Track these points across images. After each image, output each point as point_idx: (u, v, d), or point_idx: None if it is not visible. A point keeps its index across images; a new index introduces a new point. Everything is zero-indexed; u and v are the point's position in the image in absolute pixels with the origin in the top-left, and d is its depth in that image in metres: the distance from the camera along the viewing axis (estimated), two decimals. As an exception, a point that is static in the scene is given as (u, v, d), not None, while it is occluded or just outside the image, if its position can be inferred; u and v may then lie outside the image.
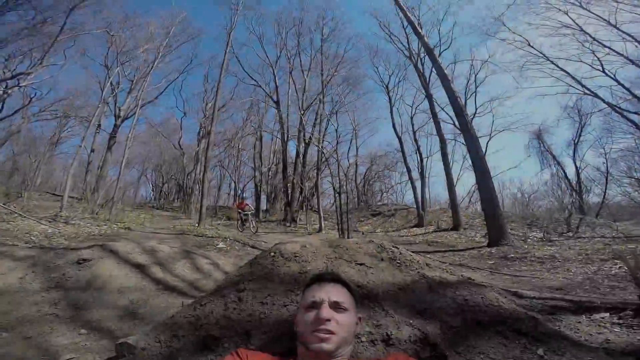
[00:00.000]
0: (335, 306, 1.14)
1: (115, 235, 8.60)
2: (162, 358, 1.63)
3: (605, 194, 20.24)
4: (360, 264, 1.95)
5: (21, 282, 3.49)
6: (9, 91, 16.02)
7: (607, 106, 15.67)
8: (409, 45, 19.06)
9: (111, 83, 19.87)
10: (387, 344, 1.42)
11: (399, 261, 2.05)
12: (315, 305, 1.14)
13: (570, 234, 11.19)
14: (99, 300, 3.26)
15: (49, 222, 8.95)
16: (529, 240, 10.38)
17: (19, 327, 2.60)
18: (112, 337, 2.46)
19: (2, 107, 16.65)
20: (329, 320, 1.08)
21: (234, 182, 25.32)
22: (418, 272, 1.94)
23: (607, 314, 2.74)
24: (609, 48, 13.57)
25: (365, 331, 1.45)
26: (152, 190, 36.50)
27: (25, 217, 8.70)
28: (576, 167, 21.44)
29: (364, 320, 1.46)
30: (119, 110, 21.60)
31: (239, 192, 26.83)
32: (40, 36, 14.88)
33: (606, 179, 20.25)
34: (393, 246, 2.19)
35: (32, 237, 6.98)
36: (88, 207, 12.47)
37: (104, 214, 12.00)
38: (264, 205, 25.52)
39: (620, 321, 2.54)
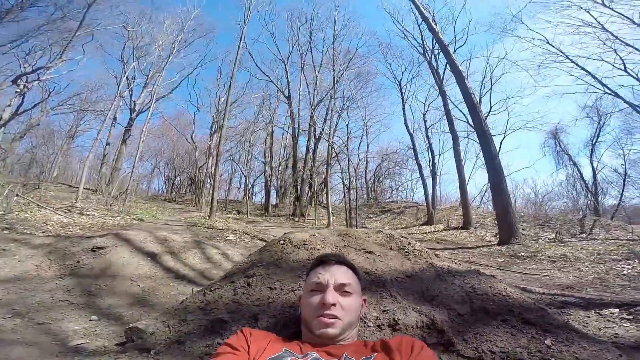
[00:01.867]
0: (341, 289, 1.11)
1: (128, 226, 8.77)
2: (171, 342, 1.67)
3: (622, 196, 19.65)
4: (369, 252, 1.94)
5: (37, 269, 3.57)
6: (29, 85, 16.41)
7: (628, 106, 15.15)
8: (422, 41, 18.85)
9: (127, 77, 20.19)
10: (394, 329, 1.41)
11: (407, 250, 2.03)
12: (320, 288, 1.11)
13: (583, 235, 10.92)
14: (111, 288, 3.33)
15: (65, 212, 9.17)
16: (540, 240, 10.16)
17: (33, 313, 2.65)
18: (122, 324, 2.50)
19: (23, 100, 17.03)
20: (334, 304, 1.06)
21: (245, 176, 25.41)
22: (426, 261, 1.93)
23: (617, 310, 2.70)
24: (632, 47, 13.05)
25: (373, 316, 1.44)
26: (165, 183, 36.95)
27: (42, 207, 8.94)
28: (593, 168, 20.77)
29: (370, 305, 1.46)
30: (134, 104, 21.98)
31: (249, 186, 26.99)
32: (59, 31, 15.19)
33: (624, 181, 19.57)
34: (402, 236, 2.18)
35: (48, 227, 7.16)
36: (102, 199, 12.73)
37: (118, 205, 12.24)
38: (273, 200, 25.66)
39: (630, 317, 2.51)
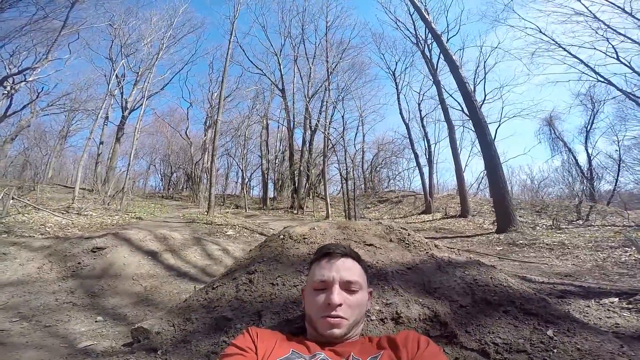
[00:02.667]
0: (347, 287, 1.06)
1: (127, 224, 8.75)
2: (177, 341, 1.66)
3: (617, 182, 19.84)
4: (369, 245, 1.93)
5: (39, 272, 3.57)
6: (17, 86, 16.18)
7: (621, 94, 15.28)
8: (415, 31, 18.78)
9: (116, 75, 19.96)
10: (397, 323, 1.40)
11: (407, 242, 2.02)
12: (325, 285, 1.07)
13: (580, 222, 10.96)
14: (113, 288, 3.34)
15: (62, 213, 9.13)
16: (538, 227, 10.24)
17: (39, 315, 2.67)
18: (127, 323, 2.52)
19: (11, 102, 16.79)
20: (339, 304, 1.02)
21: (242, 171, 25.31)
22: (427, 252, 1.92)
23: (617, 299, 2.72)
24: (624, 35, 13.13)
25: (375, 310, 1.44)
26: (161, 180, 36.92)
27: (39, 209, 8.88)
28: (588, 154, 20.99)
29: (373, 298, 1.44)
30: (126, 102, 21.78)
31: (246, 180, 26.96)
32: (43, 31, 14.91)
33: (618, 167, 19.78)
34: (401, 228, 2.17)
35: (47, 229, 7.13)
36: (99, 198, 12.67)
37: (115, 204, 12.19)
38: (271, 193, 25.65)
39: (630, 306, 2.53)
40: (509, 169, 28.34)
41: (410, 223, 13.92)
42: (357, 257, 1.18)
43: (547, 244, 7.07)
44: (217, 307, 1.77)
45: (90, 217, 9.38)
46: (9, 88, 15.53)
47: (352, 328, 1.05)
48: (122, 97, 22.05)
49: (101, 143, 22.49)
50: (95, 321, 2.61)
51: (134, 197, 16.72)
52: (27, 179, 17.73)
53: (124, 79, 21.90)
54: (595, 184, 20.47)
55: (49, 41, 14.82)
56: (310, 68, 21.62)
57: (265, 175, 24.45)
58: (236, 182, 34.62)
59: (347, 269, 1.10)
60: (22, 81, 16.01)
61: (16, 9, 13.44)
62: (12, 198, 8.28)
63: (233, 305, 1.72)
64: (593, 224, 10.37)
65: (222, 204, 21.15)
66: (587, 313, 2.37)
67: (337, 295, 1.03)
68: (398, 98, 21.54)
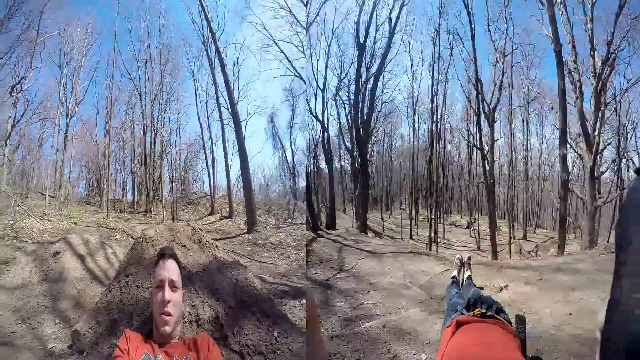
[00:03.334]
0: (172, 285, 1.07)
1: (71, 230, 8.75)
2: (92, 343, 1.78)
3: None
4: (184, 246, 1.98)
5: (30, 276, 3.73)
6: (18, 95, 15.57)
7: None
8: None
9: (64, 84, 19.01)
10: (198, 325, 1.46)
11: (202, 243, 2.08)
12: (161, 284, 1.08)
13: (289, 220, 10.36)
14: (63, 291, 3.49)
15: (40, 220, 9.34)
16: (268, 227, 9.62)
17: (31, 318, 2.87)
18: (71, 326, 2.58)
19: (16, 112, 16.02)
20: (169, 301, 1.04)
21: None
22: (212, 253, 2.00)
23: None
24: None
25: (186, 312, 1.49)
26: (85, 186, 34.13)
27: (30, 215, 8.94)
28: (292, 149, 18.71)
29: (186, 300, 1.46)
30: (68, 109, 20.78)
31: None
32: (28, 41, 14.41)
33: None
34: (200, 229, 2.29)
35: (34, 234, 7.12)
36: (56, 205, 12.83)
37: (65, 210, 12.42)
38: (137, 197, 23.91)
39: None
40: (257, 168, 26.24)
41: (204, 225, 12.55)
42: (176, 258, 1.20)
43: (273, 244, 6.95)
44: (111, 310, 1.86)
45: (53, 222, 9.60)
46: (13, 98, 14.98)
47: (175, 326, 1.08)
48: (66, 105, 20.96)
49: (57, 150, 21.45)
50: (55, 324, 2.84)
51: (71, 203, 16.47)
52: (24, 187, 17.27)
53: (66, 86, 20.79)
54: (297, 180, 19.12)
55: (30, 50, 14.37)
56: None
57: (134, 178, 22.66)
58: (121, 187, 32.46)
59: (172, 269, 1.13)
60: (21, 90, 15.41)
61: (14, 20, 12.85)
62: (17, 205, 8.46)
63: (119, 308, 1.82)
64: (296, 222, 9.68)
65: (113, 208, 20.42)
66: (294, 314, 2.43)
67: (168, 292, 1.06)
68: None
